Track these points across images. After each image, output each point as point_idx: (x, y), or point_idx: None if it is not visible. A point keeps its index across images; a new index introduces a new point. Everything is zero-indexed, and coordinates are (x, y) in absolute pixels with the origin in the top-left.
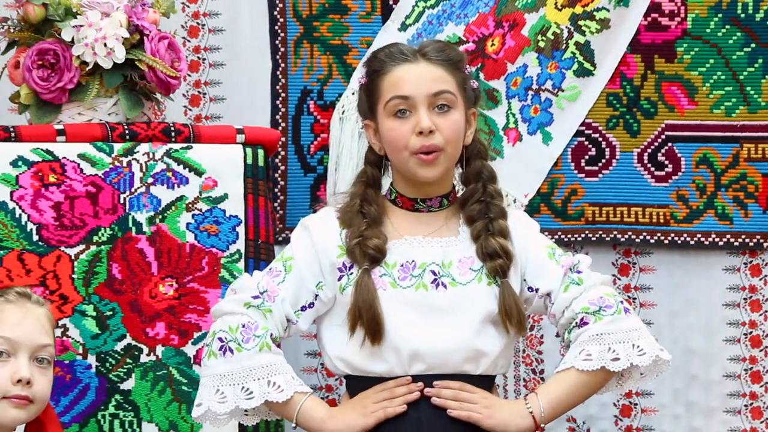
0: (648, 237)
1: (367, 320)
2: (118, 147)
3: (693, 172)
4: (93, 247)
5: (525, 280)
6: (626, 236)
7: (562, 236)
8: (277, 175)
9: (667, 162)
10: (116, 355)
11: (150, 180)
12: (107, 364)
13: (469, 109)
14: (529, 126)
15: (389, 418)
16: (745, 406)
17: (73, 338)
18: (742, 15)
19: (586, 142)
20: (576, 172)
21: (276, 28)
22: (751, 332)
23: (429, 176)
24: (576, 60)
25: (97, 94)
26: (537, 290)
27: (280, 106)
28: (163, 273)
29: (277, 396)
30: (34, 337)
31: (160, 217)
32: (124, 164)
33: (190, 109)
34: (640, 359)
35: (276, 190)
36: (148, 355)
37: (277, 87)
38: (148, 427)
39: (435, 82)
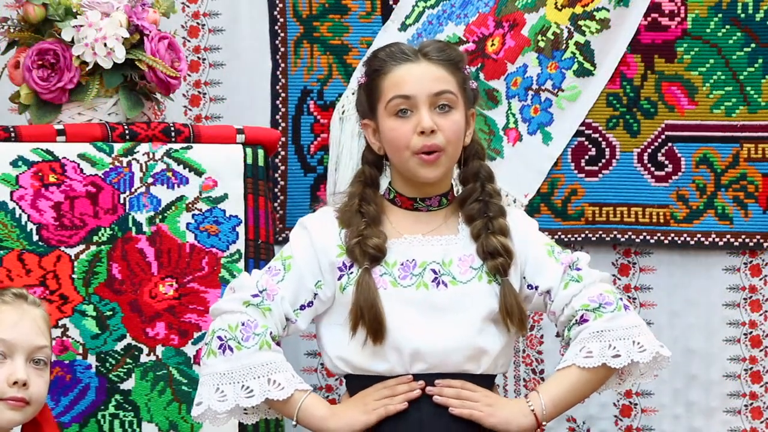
0: (648, 237)
1: (369, 320)
2: (118, 147)
3: (693, 172)
4: (93, 247)
5: (524, 277)
6: (626, 236)
7: (562, 236)
8: (277, 175)
9: (667, 162)
10: (116, 355)
11: (150, 180)
12: (107, 364)
13: (468, 110)
14: (529, 126)
15: (390, 417)
16: (745, 406)
17: (73, 338)
18: (742, 15)
19: (586, 142)
20: (576, 172)
21: (276, 28)
22: (751, 332)
23: (430, 176)
24: (576, 60)
25: (97, 94)
26: (536, 288)
27: (280, 106)
28: (163, 273)
29: (277, 394)
30: (31, 338)
31: (160, 217)
32: (124, 164)
33: (190, 109)
34: (641, 356)
35: (276, 190)
36: (148, 355)
37: (277, 87)
38: (148, 427)
39: (436, 82)
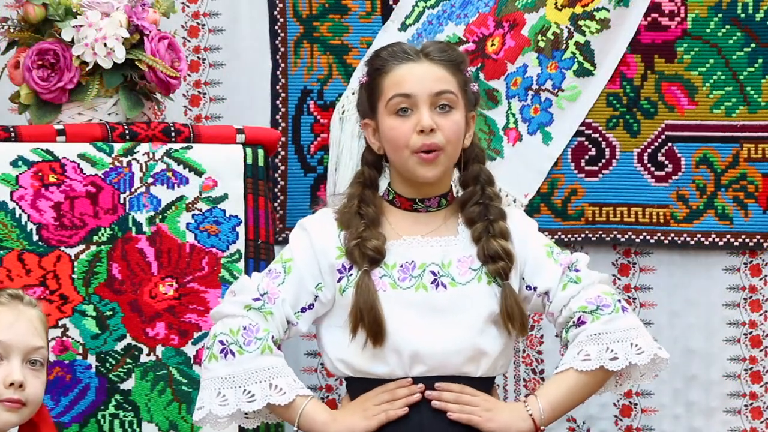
0: (648, 237)
1: (369, 322)
2: (118, 147)
3: (693, 172)
4: (93, 247)
5: (523, 278)
6: (626, 236)
7: (562, 236)
8: (277, 175)
9: (667, 162)
10: (116, 355)
11: (150, 180)
12: (107, 364)
13: (469, 112)
14: (529, 126)
15: (391, 421)
16: (745, 406)
17: (73, 338)
18: (742, 15)
19: (586, 142)
20: (576, 172)
21: (276, 28)
22: (751, 332)
23: (429, 176)
24: (576, 60)
25: (97, 94)
26: (535, 289)
27: (280, 106)
28: (163, 273)
29: (279, 399)
30: (27, 339)
31: (160, 217)
32: (124, 164)
33: (190, 109)
34: (639, 358)
35: (276, 190)
36: (148, 355)
37: (277, 87)
38: (148, 427)
39: (437, 82)
